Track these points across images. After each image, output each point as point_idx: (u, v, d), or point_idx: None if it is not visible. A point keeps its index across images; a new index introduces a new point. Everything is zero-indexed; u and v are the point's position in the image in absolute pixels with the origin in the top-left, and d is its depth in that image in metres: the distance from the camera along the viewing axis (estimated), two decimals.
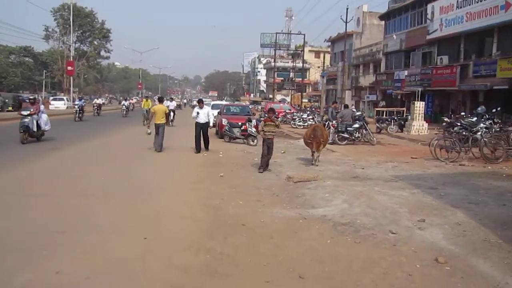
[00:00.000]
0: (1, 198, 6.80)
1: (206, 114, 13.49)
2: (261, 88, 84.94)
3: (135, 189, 7.96)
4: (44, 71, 70.26)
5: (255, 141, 15.66)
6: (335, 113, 18.54)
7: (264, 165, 10.07)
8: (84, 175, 9.05)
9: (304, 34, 52.75)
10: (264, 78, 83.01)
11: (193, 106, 23.29)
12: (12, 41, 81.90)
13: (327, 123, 17.87)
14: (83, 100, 28.94)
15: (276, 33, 56.92)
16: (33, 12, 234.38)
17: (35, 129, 13.84)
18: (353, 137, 16.94)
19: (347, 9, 37.01)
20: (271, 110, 11.22)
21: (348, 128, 16.77)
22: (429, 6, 28.40)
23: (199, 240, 5.17)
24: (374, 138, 17.53)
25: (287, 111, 32.61)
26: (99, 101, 36.42)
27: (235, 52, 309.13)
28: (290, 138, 19.61)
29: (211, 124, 14.63)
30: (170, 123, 20.17)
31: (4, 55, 69.56)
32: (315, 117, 27.90)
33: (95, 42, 62.58)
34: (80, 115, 26.11)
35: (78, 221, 5.79)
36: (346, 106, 19.87)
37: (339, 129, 16.66)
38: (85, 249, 4.73)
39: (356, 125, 17.08)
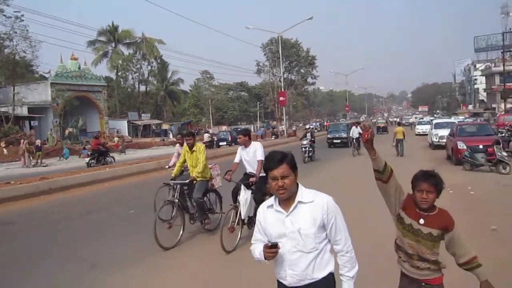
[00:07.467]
0: None
1: None
2: (481, 98, 74.92)
3: None
4: (258, 102, 76.46)
5: (507, 168, 12.45)
6: None
7: None
8: None
9: None
10: (484, 86, 72.85)
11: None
12: (230, 79, 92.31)
13: None
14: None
15: (503, 32, 49.22)
16: (246, 50, 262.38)
17: None
18: None
19: None
20: None
21: None
22: None
23: None
24: None
25: None
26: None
27: (444, 62, 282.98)
28: None
29: None
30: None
31: (224, 92, 78.41)
32: None
33: (302, 70, 65.03)
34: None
35: None
36: None
37: None
38: None
39: None
